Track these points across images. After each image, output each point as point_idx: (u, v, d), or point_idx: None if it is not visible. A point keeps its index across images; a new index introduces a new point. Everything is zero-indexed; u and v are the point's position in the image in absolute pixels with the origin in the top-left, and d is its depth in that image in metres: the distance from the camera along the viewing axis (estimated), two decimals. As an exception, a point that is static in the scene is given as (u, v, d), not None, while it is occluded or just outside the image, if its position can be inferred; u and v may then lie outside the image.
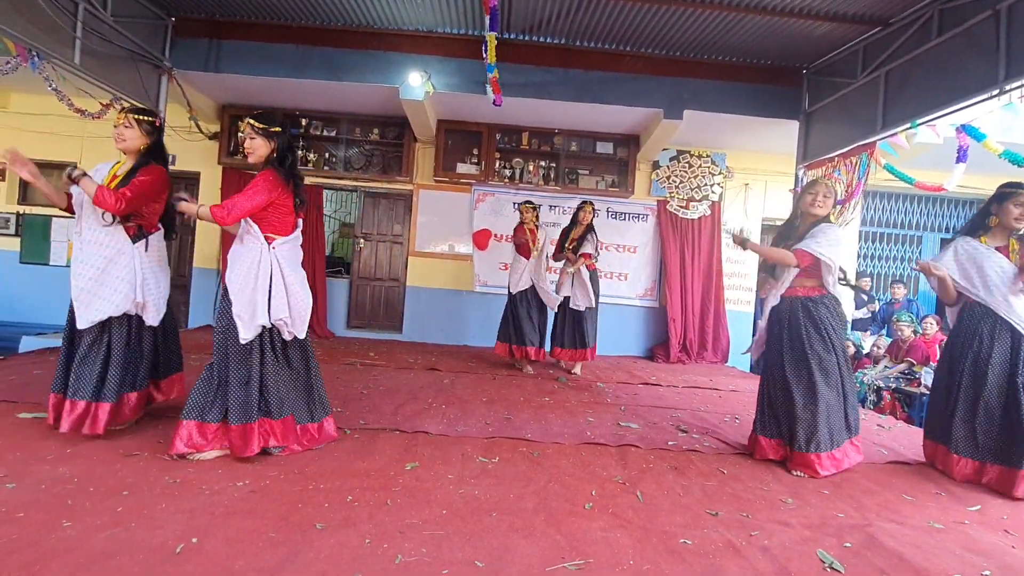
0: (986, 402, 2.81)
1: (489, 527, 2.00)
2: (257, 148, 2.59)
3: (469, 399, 3.97)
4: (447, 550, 1.81)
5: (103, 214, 2.58)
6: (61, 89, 4.43)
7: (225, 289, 2.52)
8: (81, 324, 2.56)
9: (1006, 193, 2.89)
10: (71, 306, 2.63)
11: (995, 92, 3.63)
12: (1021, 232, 2.90)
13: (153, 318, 2.77)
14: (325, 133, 6.78)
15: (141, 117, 2.72)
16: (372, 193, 7.06)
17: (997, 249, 2.91)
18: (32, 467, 2.20)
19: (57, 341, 5.05)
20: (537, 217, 5.31)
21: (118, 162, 2.77)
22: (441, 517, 2.05)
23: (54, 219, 6.65)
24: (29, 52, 4.02)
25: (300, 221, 2.70)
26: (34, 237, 6.67)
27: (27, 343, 5.07)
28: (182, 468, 2.31)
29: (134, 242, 2.67)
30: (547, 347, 5.44)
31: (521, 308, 5.21)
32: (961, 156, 4.15)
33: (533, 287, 5.24)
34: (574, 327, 5.23)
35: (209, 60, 5.53)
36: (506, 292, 5.39)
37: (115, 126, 2.68)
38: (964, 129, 4.03)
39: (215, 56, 5.54)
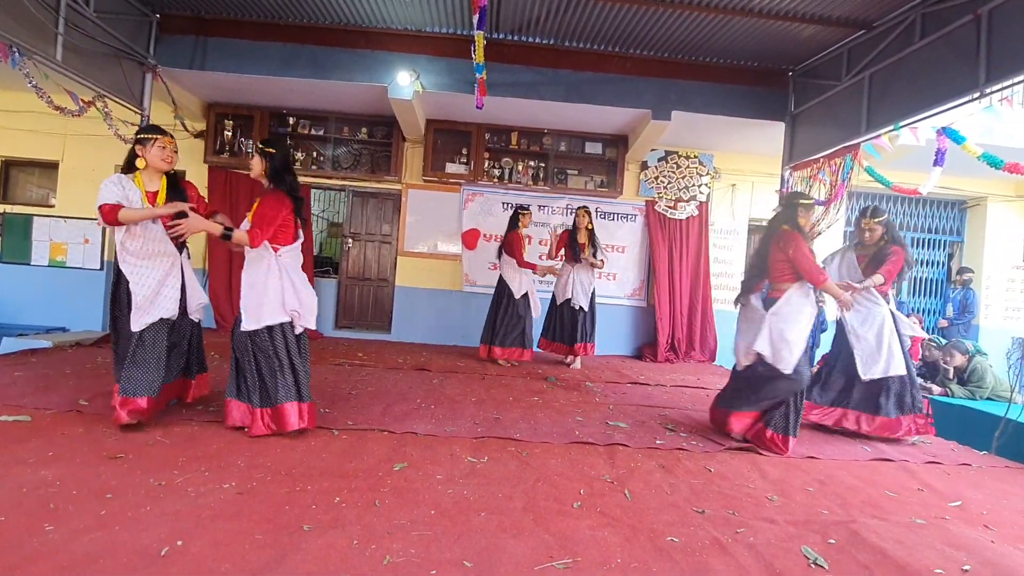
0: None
1: (478, 527, 2.00)
2: (254, 166, 2.95)
3: (458, 399, 3.96)
4: (436, 550, 1.81)
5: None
6: (42, 86, 4.35)
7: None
8: (136, 327, 2.82)
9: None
10: (115, 310, 2.92)
11: (976, 95, 3.70)
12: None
13: (198, 314, 3.13)
14: (313, 132, 6.74)
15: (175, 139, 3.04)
16: (360, 193, 7.02)
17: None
18: (13, 470, 2.17)
19: (39, 343, 5.01)
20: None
21: (134, 175, 2.92)
22: (430, 517, 2.05)
23: (35, 218, 6.54)
24: (10, 48, 3.94)
25: (301, 232, 3.04)
26: (15, 236, 6.54)
27: (8, 344, 4.97)
28: (167, 471, 2.29)
29: (180, 251, 3.00)
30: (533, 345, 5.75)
31: (524, 310, 5.55)
32: (938, 160, 4.22)
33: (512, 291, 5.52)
34: (579, 325, 5.59)
35: (195, 57, 5.47)
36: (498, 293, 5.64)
37: (163, 148, 2.91)
38: (944, 132, 4.10)
39: (201, 53, 5.48)
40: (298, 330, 2.93)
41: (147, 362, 2.82)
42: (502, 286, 5.56)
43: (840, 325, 3.79)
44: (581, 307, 5.52)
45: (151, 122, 5.30)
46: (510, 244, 5.46)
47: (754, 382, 3.29)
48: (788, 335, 3.14)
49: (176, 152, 2.99)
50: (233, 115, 6.58)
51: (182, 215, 2.81)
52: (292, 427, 2.82)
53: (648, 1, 4.60)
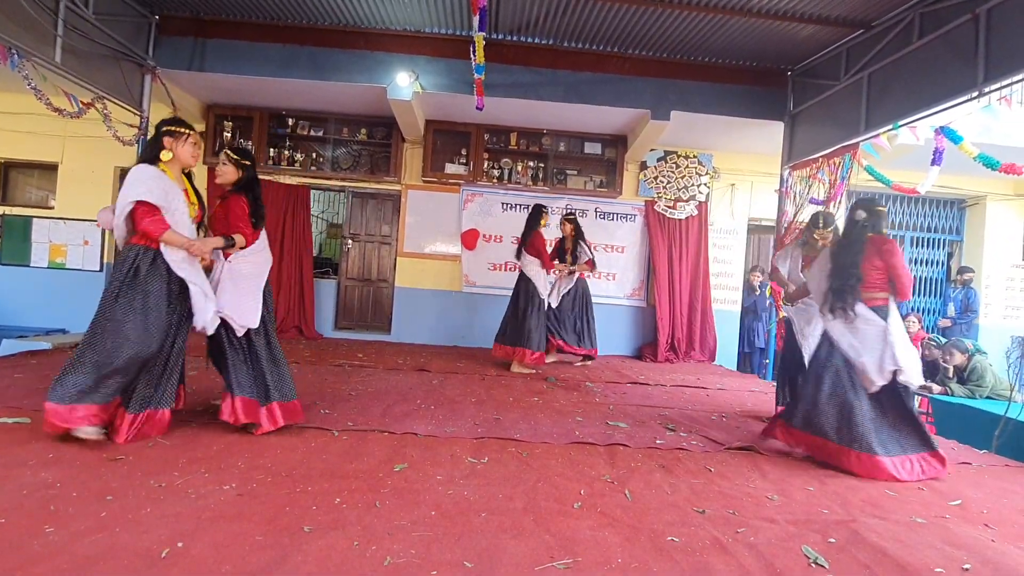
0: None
1: (478, 527, 2.00)
2: (226, 173, 2.99)
3: (458, 400, 3.96)
4: (436, 551, 1.81)
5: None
6: (41, 88, 4.35)
7: None
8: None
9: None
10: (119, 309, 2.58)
11: (974, 94, 3.71)
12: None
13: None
14: (312, 133, 6.74)
15: None
16: (360, 193, 7.03)
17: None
18: (13, 472, 2.17)
19: (39, 344, 5.00)
20: None
21: (164, 171, 2.73)
22: (430, 518, 2.05)
23: (35, 220, 6.54)
24: (8, 50, 3.94)
25: (263, 235, 3.06)
26: (14, 238, 6.54)
27: (7, 346, 4.97)
28: (168, 472, 2.29)
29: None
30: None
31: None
32: (936, 159, 4.23)
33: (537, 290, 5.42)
34: (547, 323, 5.76)
35: (194, 59, 5.47)
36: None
37: (194, 144, 2.84)
38: (942, 131, 4.10)
39: (200, 55, 5.48)
40: (239, 331, 2.82)
41: (172, 373, 2.75)
42: (525, 284, 5.30)
43: (788, 323, 4.00)
44: (550, 304, 5.72)
45: (149, 123, 5.32)
46: (533, 244, 5.29)
47: (895, 408, 3.06)
48: (909, 346, 3.08)
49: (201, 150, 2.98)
50: (232, 116, 6.58)
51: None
52: (223, 416, 2.81)
53: (647, 1, 4.61)
